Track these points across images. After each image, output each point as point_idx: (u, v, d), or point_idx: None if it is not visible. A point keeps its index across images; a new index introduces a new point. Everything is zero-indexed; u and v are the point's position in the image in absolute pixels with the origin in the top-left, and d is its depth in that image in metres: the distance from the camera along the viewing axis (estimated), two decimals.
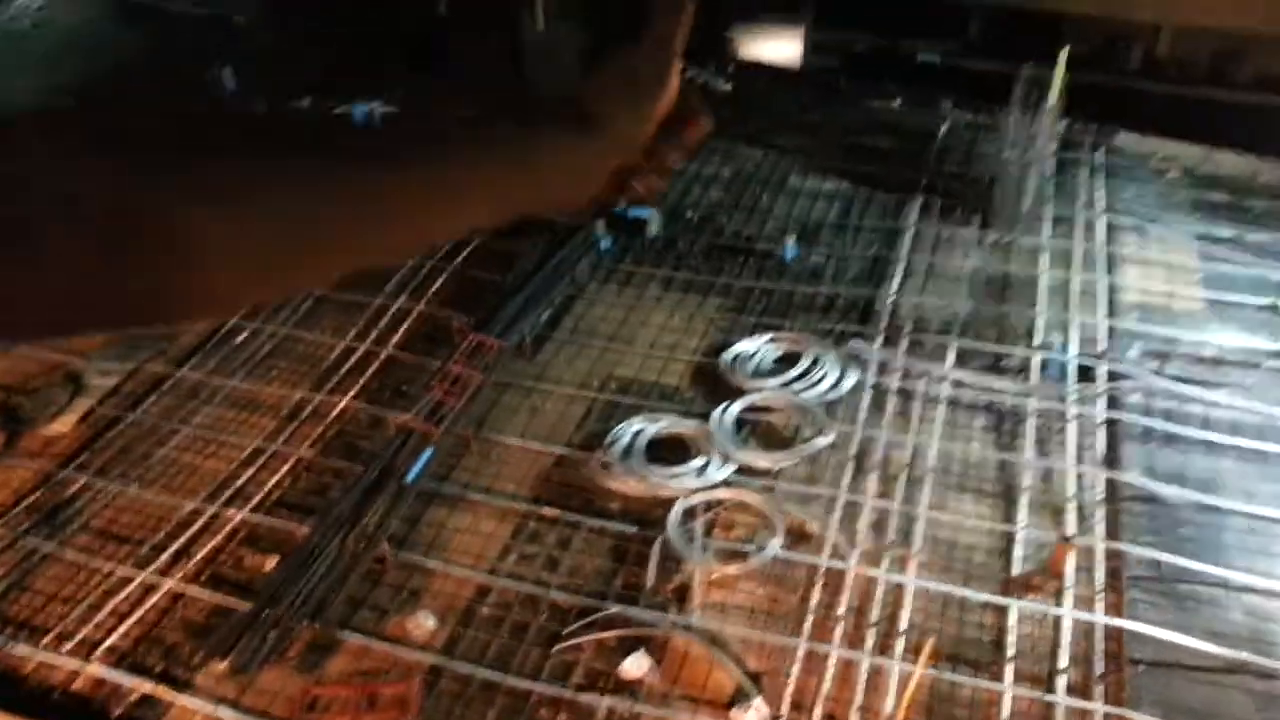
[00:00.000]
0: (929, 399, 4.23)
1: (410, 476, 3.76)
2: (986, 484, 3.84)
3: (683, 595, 3.36)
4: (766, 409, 4.18)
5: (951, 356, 4.43)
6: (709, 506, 3.71)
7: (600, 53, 1.05)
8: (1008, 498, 3.77)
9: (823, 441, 3.92)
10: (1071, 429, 4.04)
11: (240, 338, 4.65)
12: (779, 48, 9.95)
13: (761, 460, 3.87)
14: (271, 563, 3.45)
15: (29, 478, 3.84)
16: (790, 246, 5.18)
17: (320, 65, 6.66)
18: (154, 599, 3.32)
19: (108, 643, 3.17)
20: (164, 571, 3.41)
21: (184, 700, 2.97)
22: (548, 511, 3.67)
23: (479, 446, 3.97)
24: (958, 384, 4.29)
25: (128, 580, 3.38)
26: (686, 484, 3.80)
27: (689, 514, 3.63)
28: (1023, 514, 3.65)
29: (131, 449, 4.01)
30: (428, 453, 3.87)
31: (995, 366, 4.43)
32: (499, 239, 4.98)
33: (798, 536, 3.59)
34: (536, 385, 4.30)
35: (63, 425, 4.17)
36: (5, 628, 3.19)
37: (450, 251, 5.15)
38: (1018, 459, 3.91)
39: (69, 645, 3.16)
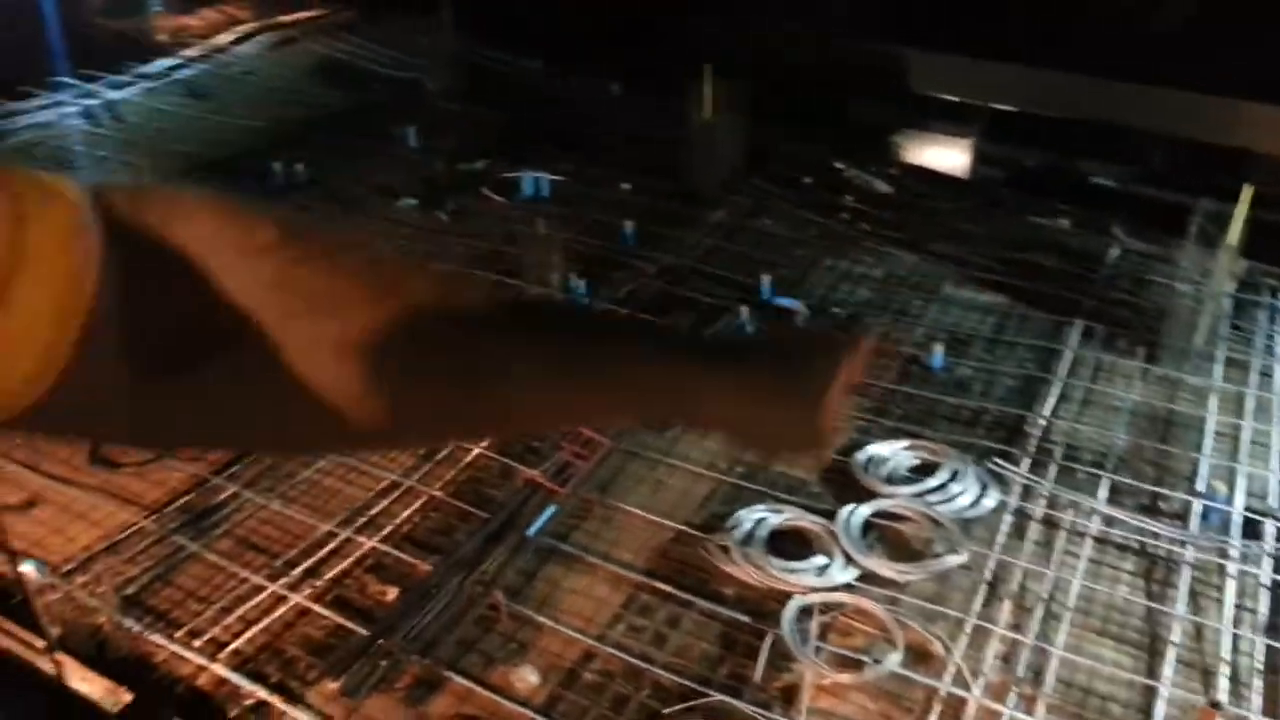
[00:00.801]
0: (1075, 532, 3.96)
1: (532, 530, 3.79)
2: (1130, 632, 3.51)
3: (790, 696, 3.22)
4: (897, 516, 4.01)
5: (1104, 490, 4.17)
6: (827, 608, 3.57)
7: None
8: (1152, 650, 3.45)
9: (955, 559, 3.73)
10: (1230, 586, 3.67)
11: None
12: (944, 155, 9.89)
13: (887, 569, 3.70)
14: (392, 593, 3.51)
15: (185, 480, 4.02)
16: (938, 354, 5.05)
17: (495, 133, 7.03)
18: (280, 611, 3.41)
19: (233, 646, 3.26)
20: (293, 586, 3.51)
21: (294, 713, 3.01)
22: (661, 586, 3.62)
23: (601, 511, 3.98)
24: (1108, 520, 4.03)
25: (259, 589, 3.49)
26: (805, 581, 3.65)
27: (805, 612, 3.50)
28: (1168, 670, 3.33)
29: (279, 466, 4.15)
30: (551, 509, 3.90)
31: (1151, 508, 4.13)
32: (637, 313, 5.04)
33: (919, 655, 3.39)
34: (664, 459, 4.29)
35: None
36: (145, 616, 3.35)
37: None
38: (1168, 610, 3.61)
39: (198, 642, 3.28)
